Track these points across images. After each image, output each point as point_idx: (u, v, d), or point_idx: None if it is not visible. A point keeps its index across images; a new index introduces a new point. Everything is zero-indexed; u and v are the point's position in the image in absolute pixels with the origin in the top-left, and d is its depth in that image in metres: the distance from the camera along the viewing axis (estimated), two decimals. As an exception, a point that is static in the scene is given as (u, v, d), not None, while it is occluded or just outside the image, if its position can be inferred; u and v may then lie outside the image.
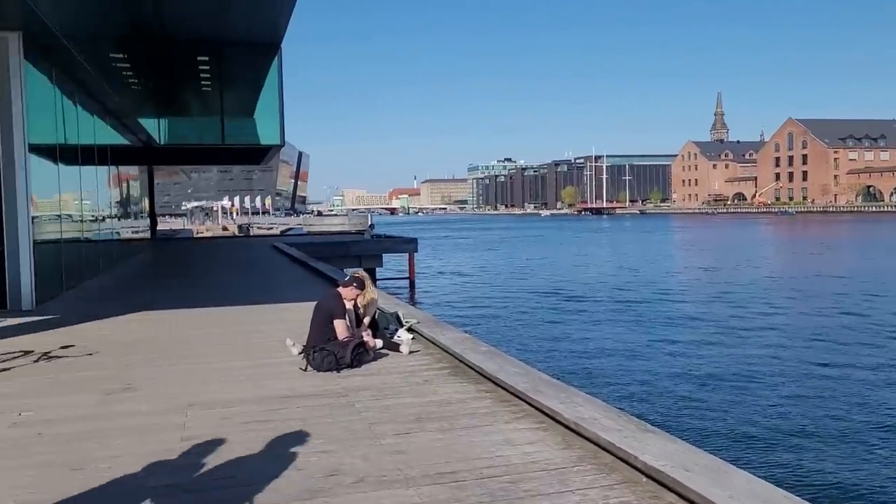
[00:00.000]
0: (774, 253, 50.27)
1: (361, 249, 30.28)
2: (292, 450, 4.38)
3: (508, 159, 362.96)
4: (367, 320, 7.60)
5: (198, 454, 4.33)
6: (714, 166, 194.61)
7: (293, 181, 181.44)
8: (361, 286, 7.37)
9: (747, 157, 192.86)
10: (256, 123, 26.57)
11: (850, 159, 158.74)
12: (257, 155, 30.26)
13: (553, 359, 15.25)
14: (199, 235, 53.65)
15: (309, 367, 6.70)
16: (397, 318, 8.46)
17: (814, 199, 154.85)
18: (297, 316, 10.00)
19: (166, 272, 19.79)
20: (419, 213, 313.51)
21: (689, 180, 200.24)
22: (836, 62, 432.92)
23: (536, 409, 4.96)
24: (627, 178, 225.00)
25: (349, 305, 7.33)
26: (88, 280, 15.57)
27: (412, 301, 25.79)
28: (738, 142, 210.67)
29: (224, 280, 16.38)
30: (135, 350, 7.89)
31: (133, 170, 26.32)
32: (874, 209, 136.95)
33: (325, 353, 6.69)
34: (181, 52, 23.29)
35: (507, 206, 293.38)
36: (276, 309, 10.97)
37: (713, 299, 25.16)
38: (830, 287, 27.60)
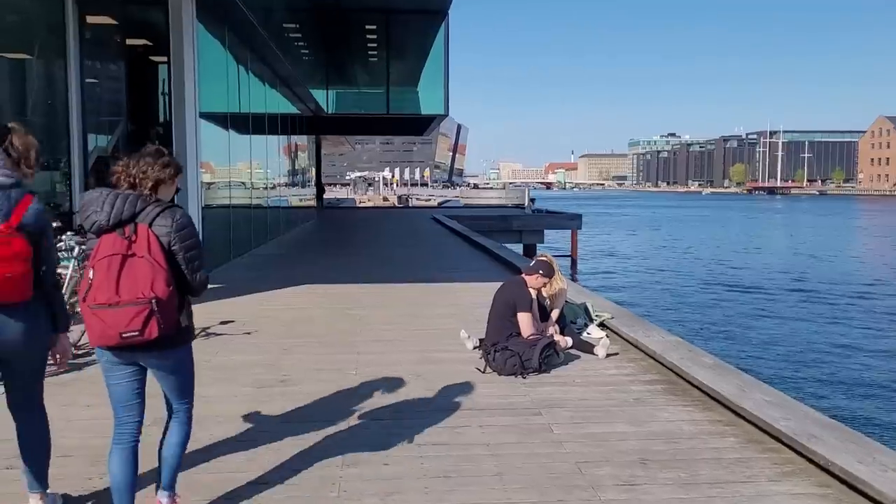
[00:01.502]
0: None
1: (522, 224, 29.09)
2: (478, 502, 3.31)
3: (672, 134, 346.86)
4: (555, 314, 6.43)
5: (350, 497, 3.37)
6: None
7: (451, 154, 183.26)
8: (550, 273, 6.19)
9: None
10: (421, 93, 26.09)
11: None
12: (421, 125, 29.86)
13: (749, 360, 13.43)
14: (362, 205, 54.81)
15: (488, 369, 5.64)
16: (586, 310, 7.23)
17: None
18: (467, 299, 9.06)
19: (331, 242, 19.66)
20: (575, 189, 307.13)
21: (880, 159, 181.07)
22: None
23: (813, 462, 3.58)
24: (806, 155, 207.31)
25: (533, 295, 6.19)
26: (256, 248, 15.53)
27: (573, 281, 24.48)
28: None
29: (387, 252, 15.82)
30: (294, 330, 7.21)
31: (301, 139, 26.65)
32: None
33: (508, 353, 5.59)
34: (351, 21, 23.12)
35: (668, 184, 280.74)
36: (443, 290, 10.06)
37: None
38: None
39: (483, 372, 5.61)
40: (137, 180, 2.85)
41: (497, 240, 20.25)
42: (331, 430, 4.25)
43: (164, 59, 10.69)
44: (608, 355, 6.07)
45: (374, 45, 24.42)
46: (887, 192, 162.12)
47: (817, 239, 45.56)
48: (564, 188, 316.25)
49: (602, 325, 6.99)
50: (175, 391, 3.02)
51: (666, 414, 4.58)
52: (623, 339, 6.53)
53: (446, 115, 25.81)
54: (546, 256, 6.48)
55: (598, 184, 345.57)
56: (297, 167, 25.36)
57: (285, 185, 21.74)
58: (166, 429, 3.07)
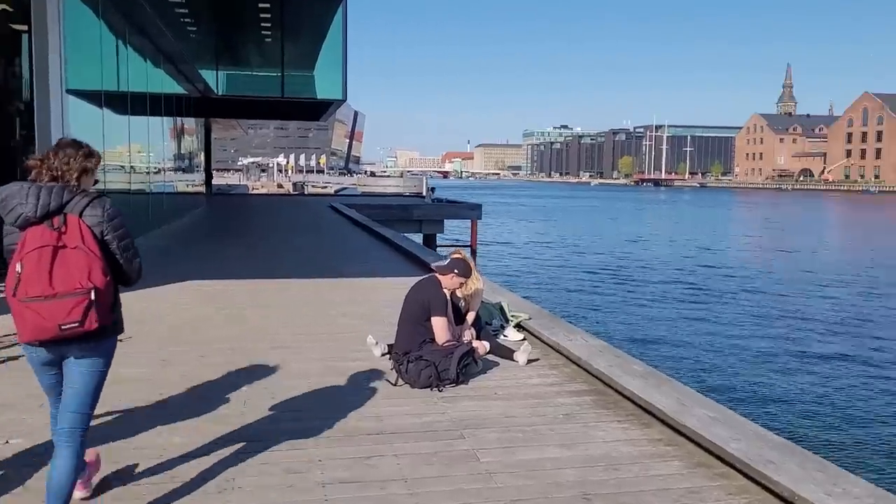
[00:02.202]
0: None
1: (423, 214, 28.59)
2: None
3: (565, 126, 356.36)
4: (471, 316, 5.90)
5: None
6: (781, 140, 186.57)
7: (348, 140, 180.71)
8: (466, 272, 5.65)
9: (817, 131, 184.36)
10: (317, 77, 25.02)
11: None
12: (317, 110, 28.74)
13: (643, 345, 13.42)
14: (255, 192, 52.81)
15: (400, 380, 5.05)
16: (501, 310, 6.75)
17: (886, 179, 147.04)
18: (373, 297, 8.42)
19: (222, 231, 18.47)
20: (471, 178, 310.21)
21: (754, 154, 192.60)
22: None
23: (772, 493, 3.20)
24: (688, 149, 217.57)
25: (446, 294, 5.63)
26: (136, 238, 14.24)
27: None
28: (807, 115, 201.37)
29: (284, 244, 14.90)
30: (177, 337, 6.36)
31: (189, 121, 25.07)
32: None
33: (423, 363, 5.02)
34: (242, -2, 21.81)
35: (561, 175, 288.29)
36: (346, 286, 9.37)
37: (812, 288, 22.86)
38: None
39: (395, 384, 5.02)
40: (61, 172, 2.84)
41: (397, 229, 19.66)
42: (210, 461, 3.54)
43: (26, 27, 9.44)
44: (529, 361, 5.61)
45: (268, 24, 23.14)
46: (760, 185, 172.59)
47: (704, 230, 47.57)
48: (461, 177, 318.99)
49: (519, 327, 6.53)
50: (85, 396, 2.88)
51: (601, 433, 4.13)
52: (543, 342, 6.09)
53: (344, 101, 24.85)
54: (461, 254, 5.93)
55: (493, 173, 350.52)
56: (184, 151, 23.81)
57: (171, 170, 20.28)
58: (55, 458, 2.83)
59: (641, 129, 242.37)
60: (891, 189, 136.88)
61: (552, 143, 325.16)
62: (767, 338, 15.07)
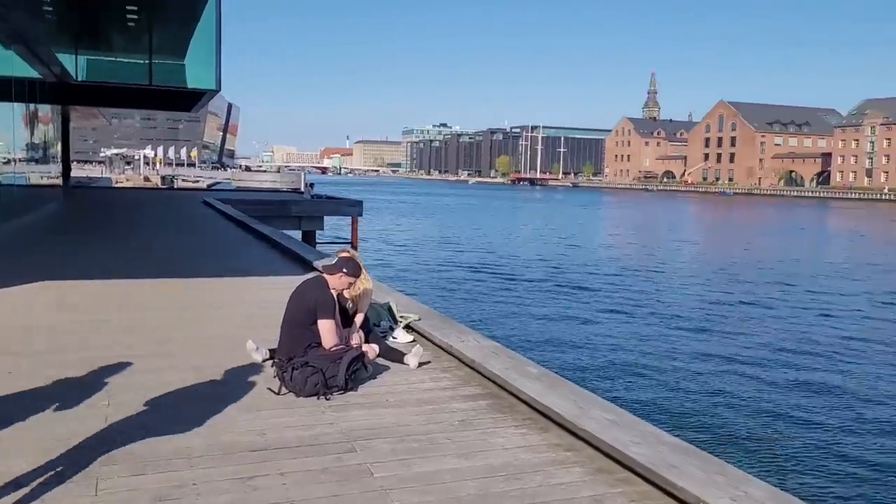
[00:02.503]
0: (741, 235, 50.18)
1: (301, 210, 27.81)
2: None
3: (444, 124, 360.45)
4: (359, 318, 5.61)
5: None
6: (646, 143, 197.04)
7: (221, 134, 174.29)
8: (356, 272, 5.36)
9: (678, 136, 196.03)
10: (188, 65, 23.70)
11: (776, 144, 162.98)
12: (188, 100, 27.22)
13: (535, 346, 13.45)
14: (119, 185, 49.73)
15: (283, 388, 4.70)
16: (390, 311, 6.50)
17: (739, 182, 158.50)
18: (251, 298, 7.95)
19: (80, 227, 17.11)
20: (351, 174, 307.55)
21: (622, 156, 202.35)
22: (766, 49, 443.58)
23: (674, 497, 3.13)
24: (562, 150, 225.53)
25: (333, 295, 5.31)
26: (-19, 234, 12.90)
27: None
28: (670, 120, 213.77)
29: (150, 241, 13.94)
30: (20, 347, 5.67)
31: (45, 109, 23.12)
32: (795, 194, 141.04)
33: (309, 369, 4.69)
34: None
35: (440, 172, 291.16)
36: (221, 286, 8.80)
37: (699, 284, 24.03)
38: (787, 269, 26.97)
39: (278, 393, 4.65)
40: None
41: (275, 226, 18.96)
42: (63, 491, 3.08)
43: None
44: (420, 364, 5.39)
45: (134, 6, 21.69)
46: (628, 186, 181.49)
47: (581, 228, 49.32)
48: (340, 173, 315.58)
49: (409, 328, 6.30)
50: None
51: (499, 439, 3.97)
52: (434, 344, 5.89)
53: (217, 91, 23.67)
54: (349, 252, 5.63)
55: (373, 170, 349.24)
56: (37, 140, 21.92)
57: (22, 161, 18.59)
58: None
59: (518, 130, 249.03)
60: (743, 191, 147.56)
61: (432, 141, 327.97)
62: (652, 337, 15.14)
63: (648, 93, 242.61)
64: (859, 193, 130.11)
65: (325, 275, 5.34)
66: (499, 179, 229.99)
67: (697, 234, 49.27)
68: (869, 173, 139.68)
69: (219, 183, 64.86)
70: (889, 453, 8.54)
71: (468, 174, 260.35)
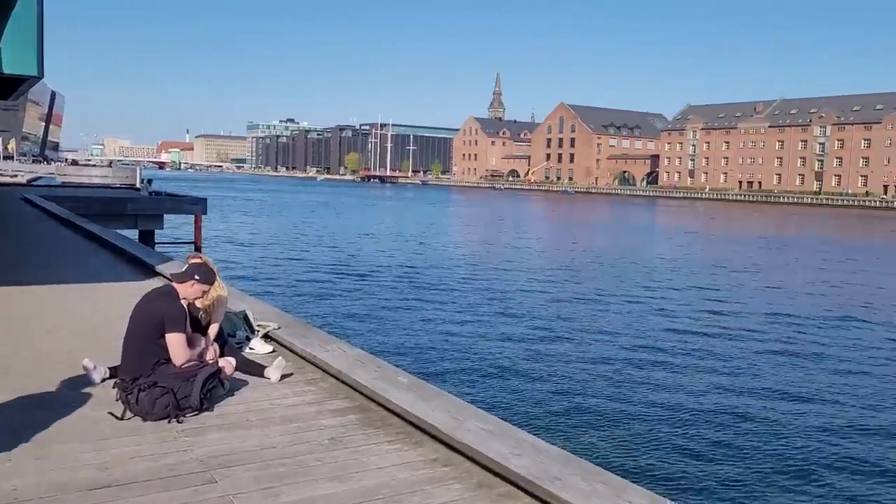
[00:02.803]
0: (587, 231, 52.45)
1: (138, 208, 25.95)
2: None
3: (291, 120, 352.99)
4: (213, 329, 5.17)
5: None
6: (493, 143, 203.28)
7: (44, 124, 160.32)
8: (209, 279, 4.93)
9: (522, 136, 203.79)
10: (5, 48, 21.47)
11: (611, 145, 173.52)
12: (5, 87, 24.65)
13: (402, 353, 13.00)
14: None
15: (128, 412, 4.21)
16: (246, 319, 6.08)
17: (578, 181, 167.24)
18: (87, 309, 7.21)
19: None
20: (192, 170, 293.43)
21: (470, 155, 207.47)
22: (602, 53, 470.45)
23: (560, 510, 3.06)
24: (411, 148, 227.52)
25: (184, 305, 4.86)
26: None
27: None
28: (514, 121, 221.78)
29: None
30: None
31: None
32: (628, 193, 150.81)
33: (158, 390, 4.23)
34: None
35: (288, 169, 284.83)
36: (49, 295, 7.90)
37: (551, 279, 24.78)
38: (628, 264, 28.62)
39: (121, 418, 4.16)
40: None
41: (108, 226, 17.56)
42: None
43: None
44: (282, 377, 5.05)
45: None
46: (475, 184, 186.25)
47: (436, 226, 49.80)
48: (179, 168, 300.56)
49: (267, 338, 5.92)
50: None
51: (373, 458, 3.75)
52: (297, 354, 5.55)
53: (40, 78, 21.64)
54: (201, 258, 5.17)
55: (216, 165, 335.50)
56: None
57: None
58: None
59: (368, 127, 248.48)
60: (582, 190, 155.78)
61: (278, 137, 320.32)
62: (515, 338, 14.87)
63: (494, 93, 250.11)
64: (683, 193, 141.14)
65: (174, 283, 4.88)
66: (348, 177, 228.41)
67: (551, 231, 51.33)
68: (692, 174, 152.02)
69: (41, 178, 59.62)
70: (756, 451, 8.88)
71: (317, 171, 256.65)
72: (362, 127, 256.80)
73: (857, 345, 15.41)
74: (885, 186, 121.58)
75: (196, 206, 27.80)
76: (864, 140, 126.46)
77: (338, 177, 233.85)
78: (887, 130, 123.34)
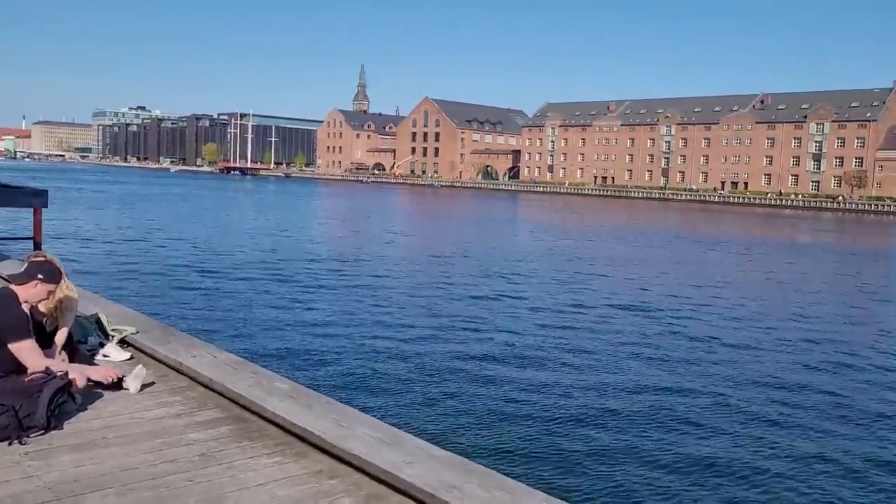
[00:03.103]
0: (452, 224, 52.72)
1: (-34, 201, 23.53)
2: None
3: (142, 108, 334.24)
4: (61, 336, 4.62)
5: None
6: (357, 136, 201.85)
7: None
8: (55, 278, 4.40)
9: (387, 129, 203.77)
10: None
11: (474, 140, 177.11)
12: None
13: (280, 356, 12.12)
14: None
15: (-42, 436, 3.65)
16: (98, 323, 5.50)
17: (443, 175, 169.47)
18: None
19: None
20: (29, 159, 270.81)
21: (334, 147, 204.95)
22: (465, 49, 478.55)
23: (458, 520, 2.90)
24: (274, 139, 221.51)
25: (26, 310, 4.31)
26: None
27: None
28: (379, 114, 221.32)
29: None
30: None
31: None
32: (491, 187, 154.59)
33: (-5, 409, 3.69)
34: None
35: (139, 159, 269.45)
36: None
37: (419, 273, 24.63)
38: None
39: (-51, 444, 3.60)
40: None
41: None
42: None
43: None
44: (143, 387, 4.58)
45: None
46: (341, 177, 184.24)
47: (302, 220, 48.57)
48: (15, 157, 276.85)
49: (124, 343, 5.38)
50: None
51: (251, 473, 3.43)
52: (159, 361, 5.07)
53: None
54: (45, 255, 4.61)
55: (57, 155, 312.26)
56: None
57: None
58: None
59: (226, 117, 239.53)
60: (447, 184, 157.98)
61: (128, 125, 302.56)
62: (395, 336, 14.20)
63: (359, 86, 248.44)
64: (543, 187, 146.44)
65: (13, 286, 4.31)
66: (206, 168, 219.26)
67: (421, 225, 51.47)
68: (551, 169, 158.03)
69: None
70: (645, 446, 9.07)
71: (171, 162, 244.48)
72: (221, 116, 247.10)
73: (708, 333, 16.44)
74: (723, 182, 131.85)
75: (36, 199, 25.17)
76: (704, 139, 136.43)
77: (195, 168, 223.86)
78: (724, 130, 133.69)
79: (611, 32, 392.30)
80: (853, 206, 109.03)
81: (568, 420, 9.66)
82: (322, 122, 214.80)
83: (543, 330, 15.65)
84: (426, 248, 33.23)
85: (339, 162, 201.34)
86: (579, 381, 11.71)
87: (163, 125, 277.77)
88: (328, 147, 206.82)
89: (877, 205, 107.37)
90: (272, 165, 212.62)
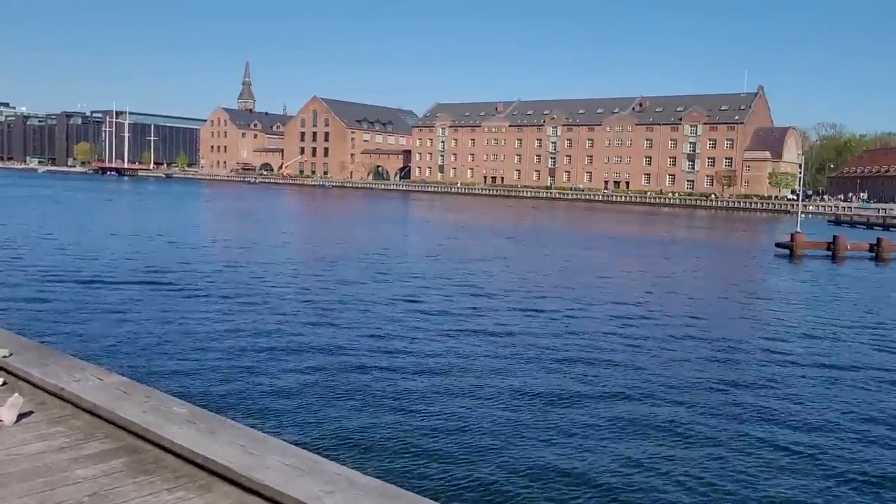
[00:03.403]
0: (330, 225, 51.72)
1: None
2: None
3: (6, 104, 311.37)
4: (-83, 366, 4.06)
5: None
6: (243, 135, 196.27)
7: None
8: None
9: (275, 129, 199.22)
10: None
11: (364, 140, 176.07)
12: None
13: (174, 377, 10.88)
14: None
15: None
16: (-37, 348, 4.91)
17: (333, 175, 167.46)
18: None
19: None
20: None
21: (219, 147, 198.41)
22: (354, 48, 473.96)
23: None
24: (153, 138, 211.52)
25: None
26: None
27: None
28: (266, 113, 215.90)
29: None
30: None
31: None
32: (382, 187, 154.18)
33: None
34: None
35: (3, 159, 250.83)
36: None
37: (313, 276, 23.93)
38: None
39: None
40: None
41: None
42: None
43: None
44: (20, 418, 4.10)
45: None
46: (226, 178, 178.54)
47: (180, 222, 46.45)
48: None
49: (-4, 369, 4.83)
50: None
51: (151, 513, 3.10)
52: (36, 387, 4.56)
53: None
54: None
55: None
56: None
57: None
58: None
59: (100, 115, 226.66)
60: (338, 184, 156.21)
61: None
62: (308, 348, 13.40)
63: (244, 83, 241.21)
64: (434, 187, 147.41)
65: None
66: (79, 169, 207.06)
67: (314, 226, 50.43)
68: (442, 169, 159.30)
69: None
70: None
71: (39, 162, 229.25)
72: (94, 114, 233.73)
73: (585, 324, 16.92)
74: (606, 182, 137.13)
75: None
76: (588, 140, 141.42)
77: (66, 168, 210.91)
78: (606, 132, 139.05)
79: (499, 34, 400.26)
80: (724, 203, 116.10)
81: (482, 432, 9.27)
82: (205, 120, 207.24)
83: (446, 336, 15.15)
84: (319, 251, 32.56)
85: (225, 162, 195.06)
86: (486, 387, 11.53)
87: (29, 123, 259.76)
88: (212, 147, 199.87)
89: (745, 202, 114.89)
90: (152, 166, 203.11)
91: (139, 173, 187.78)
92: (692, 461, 8.72)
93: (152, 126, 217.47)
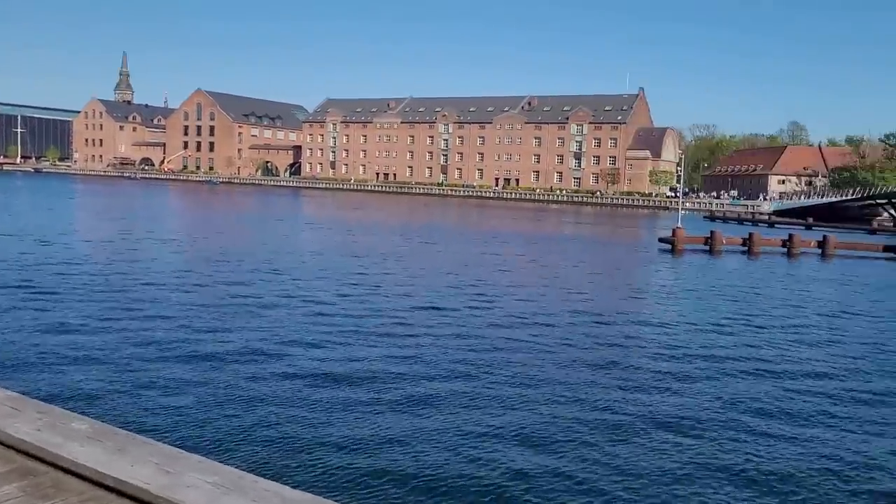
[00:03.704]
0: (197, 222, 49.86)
1: None
2: None
3: None
4: None
5: None
6: (121, 128, 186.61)
7: None
8: None
9: (156, 122, 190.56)
10: None
11: (253, 135, 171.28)
12: None
13: (76, 389, 9.89)
14: None
15: None
16: None
17: (220, 171, 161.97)
18: None
19: None
20: None
21: (94, 140, 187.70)
22: (239, 41, 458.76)
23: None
24: (20, 130, 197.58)
25: None
26: None
27: None
28: (146, 105, 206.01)
29: None
30: None
31: None
32: (272, 183, 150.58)
33: None
34: None
35: None
36: None
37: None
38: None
39: None
40: None
41: None
42: None
43: None
44: None
45: None
46: (103, 173, 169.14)
47: (56, 219, 43.48)
48: None
49: None
50: None
51: (55, 544, 2.78)
52: None
53: None
54: None
55: None
56: None
57: None
58: None
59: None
60: (225, 180, 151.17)
61: None
62: (209, 353, 12.72)
63: (121, 74, 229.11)
64: (326, 183, 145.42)
65: None
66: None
67: (203, 224, 48.41)
68: (333, 165, 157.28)
69: None
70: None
71: None
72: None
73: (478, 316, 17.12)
74: (497, 179, 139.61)
75: None
76: (479, 138, 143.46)
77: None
78: (496, 130, 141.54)
79: (392, 29, 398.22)
80: (608, 200, 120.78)
81: (403, 438, 9.10)
82: (79, 112, 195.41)
83: (343, 335, 14.92)
84: (207, 252, 31.33)
85: (100, 156, 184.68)
86: (385, 389, 11.44)
87: None
88: (87, 140, 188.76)
89: (627, 199, 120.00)
90: (19, 159, 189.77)
91: (4, 167, 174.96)
92: (576, 459, 8.80)
93: (19, 117, 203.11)
